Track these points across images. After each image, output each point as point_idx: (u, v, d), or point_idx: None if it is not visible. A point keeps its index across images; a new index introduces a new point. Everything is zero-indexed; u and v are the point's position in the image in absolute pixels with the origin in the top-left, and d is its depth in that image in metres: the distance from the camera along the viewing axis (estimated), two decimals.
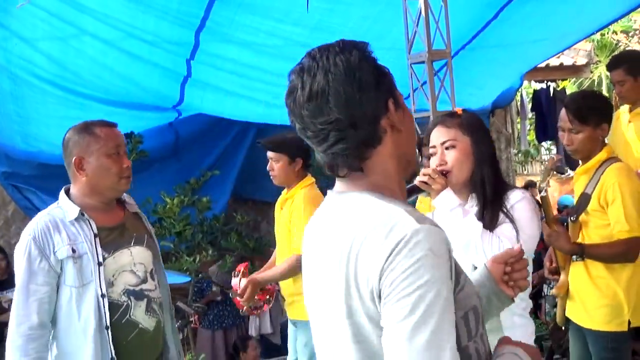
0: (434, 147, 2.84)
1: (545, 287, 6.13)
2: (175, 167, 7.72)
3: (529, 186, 10.43)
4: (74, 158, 3.00)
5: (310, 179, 4.73)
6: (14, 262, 2.96)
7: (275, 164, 4.67)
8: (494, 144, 2.96)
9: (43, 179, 6.65)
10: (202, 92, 6.43)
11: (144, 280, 3.06)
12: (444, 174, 2.78)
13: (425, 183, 2.76)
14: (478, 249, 2.66)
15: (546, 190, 3.82)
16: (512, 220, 2.71)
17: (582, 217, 3.67)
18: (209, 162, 7.83)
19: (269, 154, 4.69)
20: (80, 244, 2.93)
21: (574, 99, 3.94)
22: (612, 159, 3.63)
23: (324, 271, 1.65)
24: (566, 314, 3.85)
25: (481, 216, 2.74)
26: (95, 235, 2.96)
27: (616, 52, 12.68)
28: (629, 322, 3.61)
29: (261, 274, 4.67)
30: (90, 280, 2.91)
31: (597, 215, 3.59)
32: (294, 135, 5.98)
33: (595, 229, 3.63)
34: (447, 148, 2.80)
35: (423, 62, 5.26)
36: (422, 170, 2.83)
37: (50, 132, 6.13)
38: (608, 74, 12.67)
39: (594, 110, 3.60)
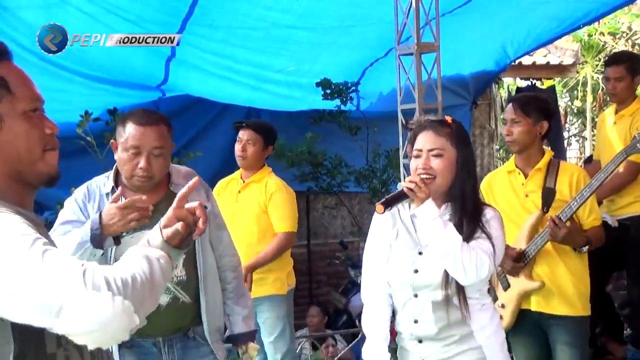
0: (420, 150, 2.85)
1: None
2: None
3: None
4: (112, 140, 3.14)
5: (268, 167, 4.93)
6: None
7: (251, 147, 4.73)
8: (475, 159, 3.05)
9: None
10: (186, 72, 6.37)
11: None
12: (427, 179, 2.80)
13: (411, 190, 2.76)
14: (457, 260, 2.70)
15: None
16: (488, 235, 2.80)
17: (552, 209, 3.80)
18: (186, 141, 7.65)
19: (246, 135, 4.74)
20: None
21: (522, 94, 4.33)
22: (556, 159, 3.91)
23: None
24: (535, 309, 3.86)
25: (458, 228, 2.77)
26: None
27: (603, 53, 12.73)
28: None
29: (254, 259, 4.66)
30: (107, 250, 2.95)
31: (562, 206, 3.74)
32: (270, 123, 6.01)
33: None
34: (434, 155, 2.81)
35: (411, 54, 5.23)
36: (409, 177, 2.83)
37: None
38: (594, 74, 12.89)
39: (537, 107, 3.81)
